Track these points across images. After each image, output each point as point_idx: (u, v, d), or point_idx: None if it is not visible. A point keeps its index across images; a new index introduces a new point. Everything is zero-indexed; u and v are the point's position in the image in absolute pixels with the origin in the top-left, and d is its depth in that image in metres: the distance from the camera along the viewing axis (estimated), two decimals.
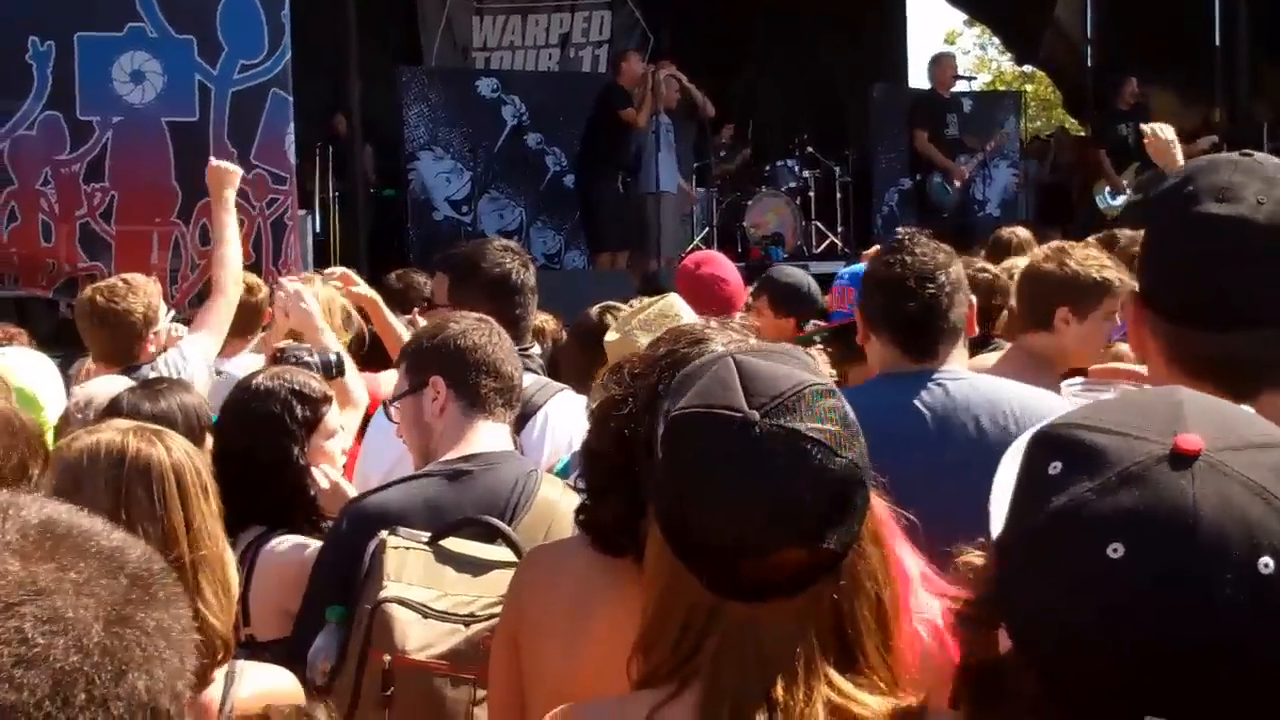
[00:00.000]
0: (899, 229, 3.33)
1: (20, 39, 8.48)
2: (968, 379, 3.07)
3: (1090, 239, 5.06)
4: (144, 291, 4.51)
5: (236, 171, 4.99)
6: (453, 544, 2.63)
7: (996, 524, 1.28)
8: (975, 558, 1.31)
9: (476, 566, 2.58)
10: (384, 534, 2.59)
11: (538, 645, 2.17)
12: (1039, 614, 1.14)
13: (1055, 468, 1.16)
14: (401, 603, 2.49)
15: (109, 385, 4.11)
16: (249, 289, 5.17)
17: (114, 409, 3.30)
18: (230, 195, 4.90)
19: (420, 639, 2.47)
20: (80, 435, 2.39)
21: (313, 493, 3.18)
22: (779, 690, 1.54)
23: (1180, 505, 1.09)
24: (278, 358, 3.94)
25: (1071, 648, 1.11)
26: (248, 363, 4.65)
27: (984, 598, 1.24)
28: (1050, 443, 1.19)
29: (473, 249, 4.29)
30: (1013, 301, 3.90)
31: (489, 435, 2.93)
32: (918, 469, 2.69)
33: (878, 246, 4.51)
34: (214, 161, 5.08)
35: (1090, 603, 1.10)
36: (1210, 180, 1.71)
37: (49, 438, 3.24)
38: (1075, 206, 14.25)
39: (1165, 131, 5.12)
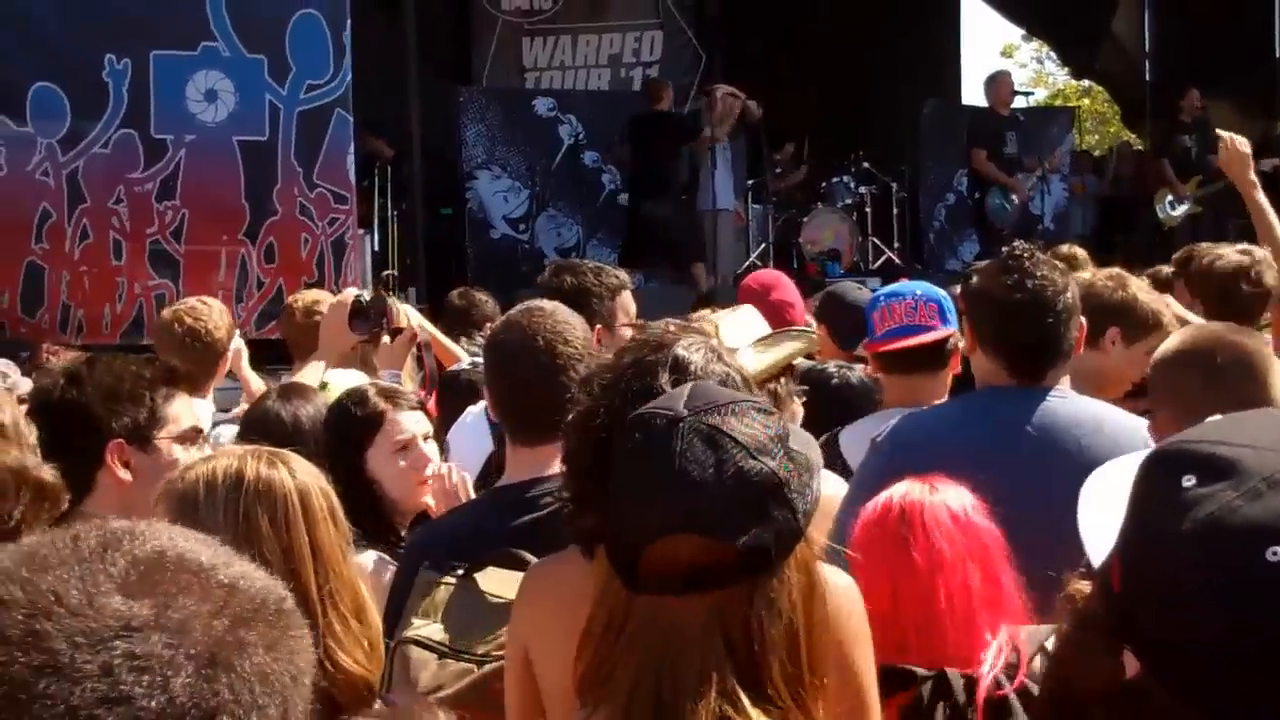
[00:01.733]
0: (1016, 243, 3.32)
1: (97, 57, 8.55)
2: (1071, 398, 3.09)
3: (1146, 275, 5.15)
4: (220, 313, 4.62)
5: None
6: (489, 577, 2.55)
7: (1096, 551, 1.27)
8: (1084, 586, 1.30)
9: (502, 603, 2.48)
10: (422, 568, 2.58)
11: (546, 656, 2.20)
12: (1186, 628, 1.12)
13: (1189, 480, 1.14)
14: (418, 643, 2.46)
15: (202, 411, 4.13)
16: (308, 310, 5.07)
17: (262, 421, 3.29)
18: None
19: (431, 680, 2.43)
20: (195, 464, 2.26)
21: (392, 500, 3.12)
22: (668, 692, 1.55)
23: None
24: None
25: (1235, 659, 1.09)
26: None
27: (1106, 621, 1.22)
28: (1176, 459, 1.18)
29: (572, 272, 4.16)
30: None
31: (542, 457, 2.74)
32: (1020, 485, 2.72)
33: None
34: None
35: (1255, 608, 1.08)
36: None
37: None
38: (1137, 219, 14.16)
39: (1243, 145, 5.08)
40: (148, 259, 8.70)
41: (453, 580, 2.55)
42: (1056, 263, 3.25)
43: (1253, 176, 5.13)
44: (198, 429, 2.49)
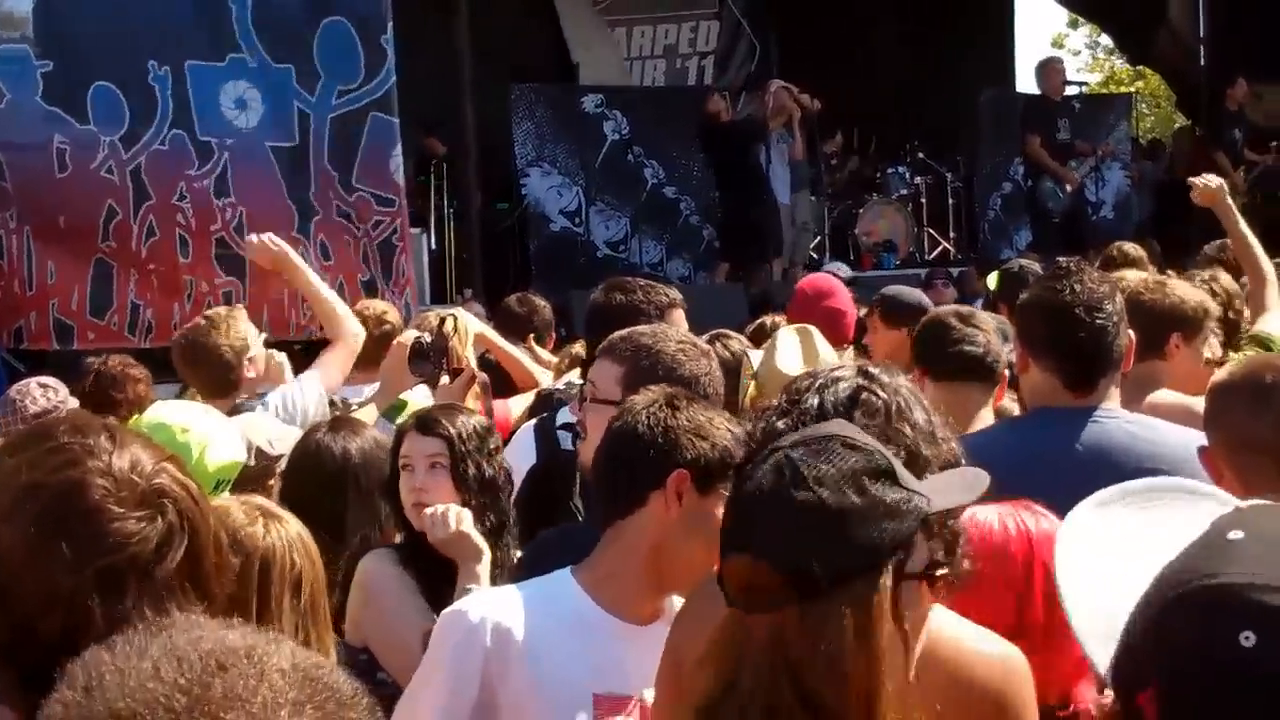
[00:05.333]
0: (1060, 259, 3.34)
1: (142, 62, 8.68)
2: (1124, 418, 3.08)
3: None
4: (230, 326, 4.55)
5: (274, 246, 4.79)
6: None
7: (1094, 646, 1.28)
8: (1106, 701, 1.31)
9: None
10: None
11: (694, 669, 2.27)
12: None
13: (1248, 639, 1.12)
14: None
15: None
16: (379, 320, 5.17)
17: (315, 454, 3.43)
18: (294, 258, 4.81)
19: None
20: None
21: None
22: (732, 703, 1.62)
23: None
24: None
25: None
26: (369, 391, 4.72)
27: None
28: (1230, 610, 1.14)
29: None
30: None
31: None
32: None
33: None
34: (253, 239, 4.89)
35: None
36: None
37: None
38: (1192, 206, 14.00)
39: (1211, 180, 5.57)
40: (214, 257, 8.74)
41: None
42: (1107, 276, 3.30)
43: (1230, 202, 5.59)
44: None
